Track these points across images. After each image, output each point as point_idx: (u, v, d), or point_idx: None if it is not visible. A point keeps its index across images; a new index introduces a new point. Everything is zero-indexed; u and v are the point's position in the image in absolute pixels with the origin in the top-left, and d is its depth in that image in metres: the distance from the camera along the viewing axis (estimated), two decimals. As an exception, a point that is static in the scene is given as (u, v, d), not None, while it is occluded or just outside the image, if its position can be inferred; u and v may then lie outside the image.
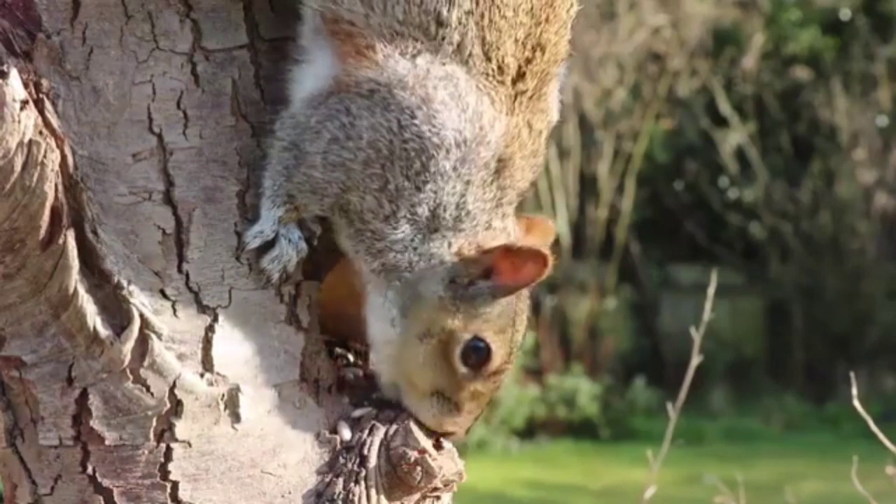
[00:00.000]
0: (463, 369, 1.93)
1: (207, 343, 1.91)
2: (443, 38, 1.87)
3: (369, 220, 1.89)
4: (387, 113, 1.87)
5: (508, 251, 1.90)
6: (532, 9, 1.90)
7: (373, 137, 1.87)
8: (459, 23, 1.86)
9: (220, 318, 1.92)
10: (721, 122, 15.68)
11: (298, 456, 1.94)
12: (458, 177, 1.88)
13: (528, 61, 1.91)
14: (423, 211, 1.88)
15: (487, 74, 1.89)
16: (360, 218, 1.89)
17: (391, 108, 1.87)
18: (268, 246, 1.92)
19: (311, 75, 1.91)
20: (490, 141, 1.89)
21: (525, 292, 1.97)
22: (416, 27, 1.86)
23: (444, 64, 1.87)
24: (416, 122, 1.86)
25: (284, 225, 1.92)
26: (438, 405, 1.96)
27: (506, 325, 1.94)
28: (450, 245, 1.90)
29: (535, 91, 1.93)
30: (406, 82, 1.86)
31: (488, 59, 1.88)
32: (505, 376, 1.98)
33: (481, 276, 1.91)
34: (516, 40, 1.90)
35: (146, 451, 1.89)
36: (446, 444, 1.99)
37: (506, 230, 1.94)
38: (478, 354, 1.93)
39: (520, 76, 1.91)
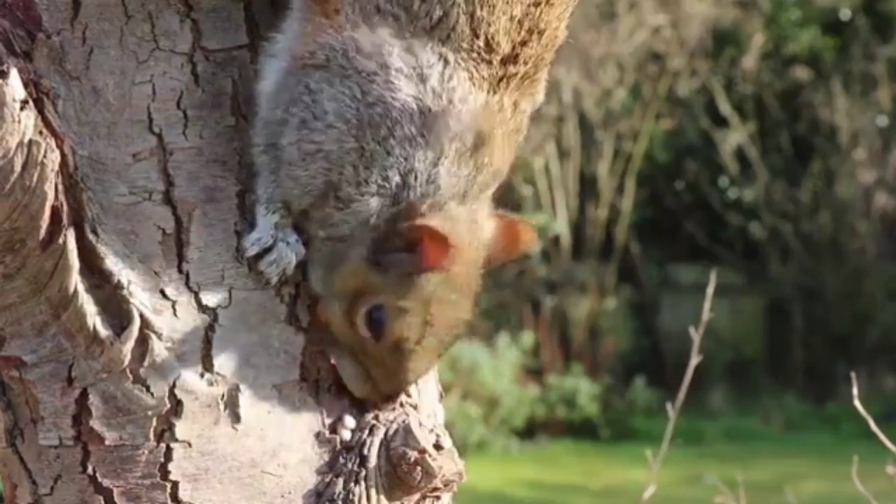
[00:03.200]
0: (365, 332, 1.92)
1: (207, 343, 1.91)
2: (425, 14, 1.83)
3: (342, 186, 1.87)
4: (346, 80, 1.84)
5: (433, 233, 1.85)
6: None
7: (338, 108, 1.85)
8: None
9: (220, 318, 1.92)
10: (721, 122, 15.67)
11: (298, 456, 1.94)
12: (428, 144, 1.85)
13: (524, 44, 1.87)
14: (394, 176, 1.86)
15: (471, 50, 1.84)
16: (335, 187, 1.88)
17: (349, 75, 1.84)
18: (266, 250, 1.92)
19: (273, 64, 1.90)
20: (461, 113, 1.85)
21: (459, 282, 1.93)
22: (399, 5, 1.84)
23: (406, 38, 1.84)
24: (376, 86, 1.84)
25: (282, 229, 1.92)
26: (351, 365, 1.94)
27: (414, 306, 1.90)
28: (389, 207, 1.87)
29: (528, 76, 1.89)
30: (362, 47, 1.84)
31: (475, 35, 1.84)
32: (417, 358, 1.94)
33: (403, 248, 1.88)
34: (511, 17, 1.85)
35: (146, 451, 1.89)
36: (446, 443, 1.99)
37: (457, 218, 1.89)
38: (375, 322, 1.91)
39: (512, 58, 1.87)
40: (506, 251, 2.01)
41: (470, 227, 1.93)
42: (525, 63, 1.88)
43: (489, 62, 1.86)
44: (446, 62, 1.85)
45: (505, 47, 1.86)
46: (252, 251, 1.91)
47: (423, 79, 1.85)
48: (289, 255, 1.92)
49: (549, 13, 1.88)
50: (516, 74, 1.88)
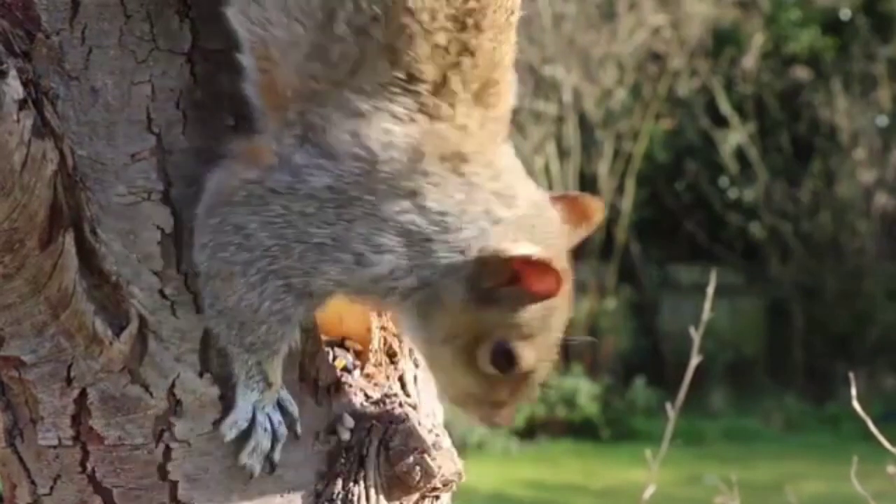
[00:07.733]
0: (492, 370, 1.86)
1: (206, 342, 1.91)
2: (341, 59, 1.77)
3: (341, 280, 1.82)
4: (266, 207, 1.80)
5: (528, 262, 1.78)
6: (457, 14, 1.78)
7: (271, 243, 1.80)
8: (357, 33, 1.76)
9: (220, 317, 1.91)
10: (721, 122, 15.68)
11: (298, 456, 1.94)
12: (383, 198, 1.78)
13: (455, 66, 1.79)
14: (382, 238, 1.79)
15: (391, 85, 1.78)
16: (331, 280, 1.82)
17: (269, 202, 1.80)
18: (244, 437, 1.89)
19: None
20: (389, 158, 1.78)
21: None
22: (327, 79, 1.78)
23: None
24: (295, 198, 1.80)
25: (262, 408, 1.89)
26: (477, 409, 1.90)
27: (534, 330, 1.85)
28: (462, 251, 1.80)
29: (475, 96, 1.82)
30: (282, 177, 1.80)
31: (394, 65, 1.77)
32: (544, 370, 1.90)
33: (505, 284, 1.81)
34: (436, 45, 1.78)
35: (146, 451, 1.89)
36: (445, 443, 1.99)
37: (532, 226, 1.84)
38: (505, 359, 1.85)
39: (444, 82, 1.79)
40: (578, 230, 1.96)
41: (544, 226, 1.87)
42: (464, 84, 1.80)
43: (415, 91, 1.79)
44: (366, 115, 1.78)
45: (430, 74, 1.79)
46: (230, 435, 1.89)
47: (334, 159, 1.78)
48: (266, 442, 1.89)
49: (482, 36, 1.80)
50: (456, 94, 1.80)
